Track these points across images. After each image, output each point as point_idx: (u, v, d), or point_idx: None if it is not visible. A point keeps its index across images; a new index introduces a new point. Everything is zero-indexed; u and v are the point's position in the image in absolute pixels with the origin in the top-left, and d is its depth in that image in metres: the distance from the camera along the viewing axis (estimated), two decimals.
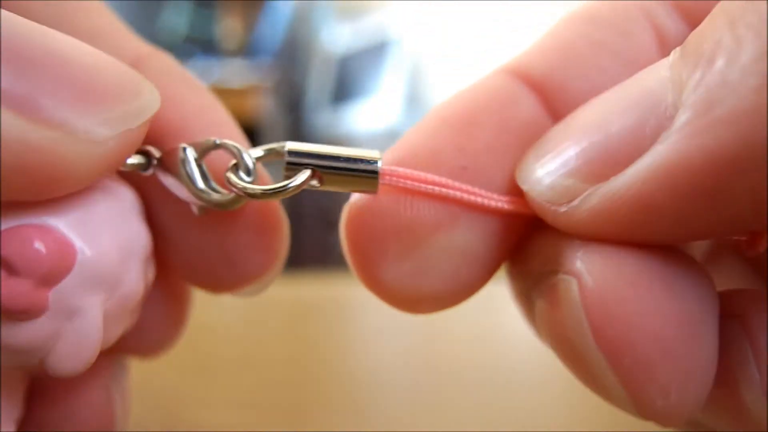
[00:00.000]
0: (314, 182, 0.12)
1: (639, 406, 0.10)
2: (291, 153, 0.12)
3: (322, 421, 0.18)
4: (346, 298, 0.38)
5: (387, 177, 0.11)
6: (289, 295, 0.38)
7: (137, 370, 0.23)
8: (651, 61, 0.11)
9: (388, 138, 1.72)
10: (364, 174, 0.12)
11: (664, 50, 0.12)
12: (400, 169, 0.11)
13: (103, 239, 0.12)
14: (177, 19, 1.70)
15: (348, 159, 0.12)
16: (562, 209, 0.10)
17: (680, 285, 0.10)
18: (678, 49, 0.10)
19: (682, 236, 0.10)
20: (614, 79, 0.11)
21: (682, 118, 0.09)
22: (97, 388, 0.15)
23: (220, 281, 0.13)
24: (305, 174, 0.12)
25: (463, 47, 1.92)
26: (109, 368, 0.15)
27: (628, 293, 0.10)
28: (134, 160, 0.12)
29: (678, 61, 0.09)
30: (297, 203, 1.55)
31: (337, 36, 1.87)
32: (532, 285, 0.12)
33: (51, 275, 0.11)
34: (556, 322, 0.11)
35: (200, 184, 0.12)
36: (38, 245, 0.11)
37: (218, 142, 0.12)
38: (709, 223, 0.09)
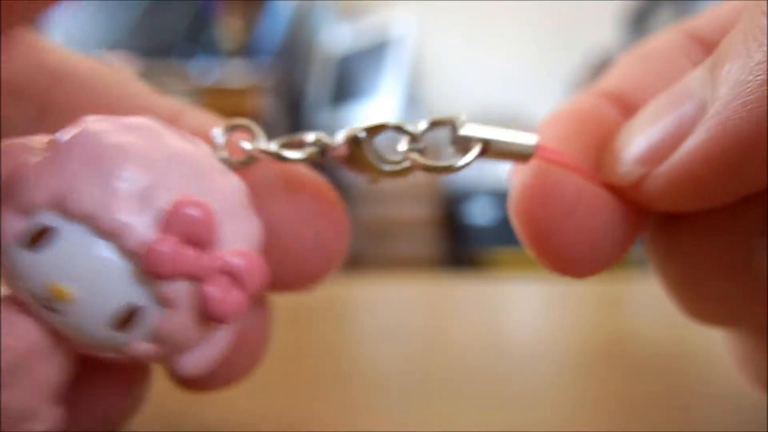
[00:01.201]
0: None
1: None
2: (468, 129, 0.13)
3: (322, 420, 0.18)
4: (346, 298, 0.38)
5: (540, 152, 0.14)
6: (289, 295, 0.38)
7: None
8: None
9: (388, 137, 1.72)
10: (523, 146, 0.13)
11: None
12: (553, 150, 0.14)
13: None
14: (177, 19, 1.70)
15: (510, 136, 0.13)
16: (638, 189, 0.13)
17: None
18: (708, 59, 0.13)
19: (726, 199, 0.13)
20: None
21: (711, 110, 0.12)
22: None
23: (312, 268, 0.15)
24: (476, 151, 0.13)
25: (465, 47, 1.92)
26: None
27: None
28: (303, 153, 0.13)
29: (708, 69, 0.13)
30: None
31: (337, 36, 1.87)
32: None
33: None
34: None
35: (381, 161, 0.14)
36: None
37: (386, 123, 0.14)
38: (744, 186, 0.12)
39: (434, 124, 0.14)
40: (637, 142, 0.14)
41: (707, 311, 0.15)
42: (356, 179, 1.39)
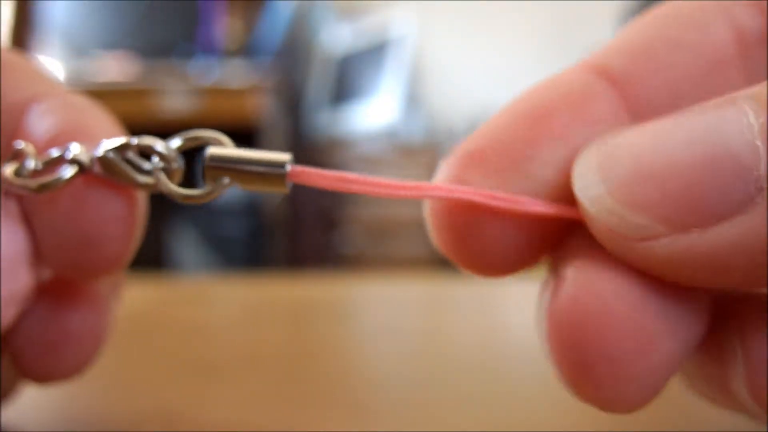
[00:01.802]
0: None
1: (574, 394, 0.12)
2: (212, 159, 0.13)
3: (322, 421, 0.18)
4: (346, 298, 0.38)
5: (295, 176, 0.12)
6: (289, 295, 0.38)
7: (137, 369, 0.23)
8: (728, 58, 0.11)
9: (388, 138, 1.72)
10: (275, 175, 0.12)
11: (742, 46, 0.12)
12: (308, 169, 0.12)
13: None
14: (177, 19, 1.70)
15: (261, 162, 0.12)
16: (636, 245, 0.10)
17: (652, 305, 0.11)
18: (762, 114, 0.10)
19: (746, 288, 0.11)
20: (692, 75, 0.12)
21: None
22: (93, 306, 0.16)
23: (83, 264, 0.14)
24: (225, 181, 0.13)
25: (465, 47, 1.92)
26: (106, 292, 0.16)
27: (594, 308, 0.11)
28: (64, 174, 0.13)
29: (764, 131, 0.10)
30: (297, 203, 1.55)
31: (337, 36, 1.87)
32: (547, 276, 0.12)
33: None
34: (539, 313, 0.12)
35: (137, 176, 0.13)
36: None
37: (128, 142, 0.13)
38: None
39: (188, 142, 0.13)
40: (649, 185, 0.10)
41: None
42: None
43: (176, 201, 0.13)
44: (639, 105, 0.12)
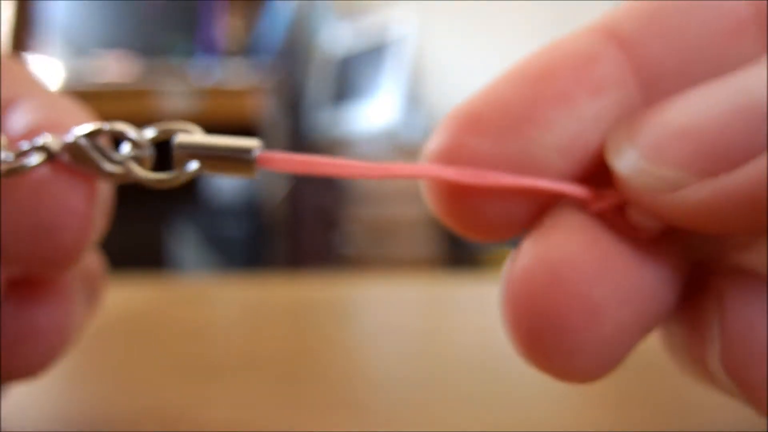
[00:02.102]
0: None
1: (529, 364, 0.11)
2: (180, 146, 0.13)
3: (322, 420, 0.18)
4: (346, 298, 0.38)
5: (264, 161, 0.12)
6: (289, 295, 0.38)
7: (137, 369, 0.23)
8: (744, 24, 0.11)
9: (389, 138, 1.72)
10: (243, 160, 0.13)
11: (759, 13, 0.12)
12: (277, 155, 0.12)
13: None
14: (177, 19, 1.70)
15: (229, 148, 0.13)
16: (667, 197, 0.11)
17: (606, 277, 0.11)
18: None
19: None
20: (705, 40, 0.11)
21: None
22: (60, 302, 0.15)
23: (38, 254, 0.14)
24: (194, 166, 0.13)
25: (465, 47, 1.92)
26: (74, 288, 0.16)
27: (544, 279, 0.11)
28: (31, 161, 0.13)
29: None
30: (297, 203, 1.55)
31: (337, 36, 1.87)
32: None
33: None
34: None
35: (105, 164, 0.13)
36: None
37: (101, 128, 0.13)
38: None
39: (163, 133, 0.13)
40: (680, 140, 0.11)
41: None
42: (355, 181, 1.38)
43: (148, 186, 0.13)
44: (647, 68, 0.12)
